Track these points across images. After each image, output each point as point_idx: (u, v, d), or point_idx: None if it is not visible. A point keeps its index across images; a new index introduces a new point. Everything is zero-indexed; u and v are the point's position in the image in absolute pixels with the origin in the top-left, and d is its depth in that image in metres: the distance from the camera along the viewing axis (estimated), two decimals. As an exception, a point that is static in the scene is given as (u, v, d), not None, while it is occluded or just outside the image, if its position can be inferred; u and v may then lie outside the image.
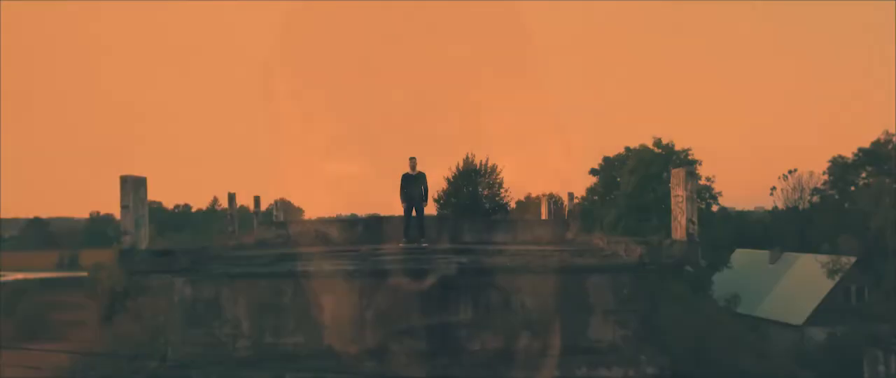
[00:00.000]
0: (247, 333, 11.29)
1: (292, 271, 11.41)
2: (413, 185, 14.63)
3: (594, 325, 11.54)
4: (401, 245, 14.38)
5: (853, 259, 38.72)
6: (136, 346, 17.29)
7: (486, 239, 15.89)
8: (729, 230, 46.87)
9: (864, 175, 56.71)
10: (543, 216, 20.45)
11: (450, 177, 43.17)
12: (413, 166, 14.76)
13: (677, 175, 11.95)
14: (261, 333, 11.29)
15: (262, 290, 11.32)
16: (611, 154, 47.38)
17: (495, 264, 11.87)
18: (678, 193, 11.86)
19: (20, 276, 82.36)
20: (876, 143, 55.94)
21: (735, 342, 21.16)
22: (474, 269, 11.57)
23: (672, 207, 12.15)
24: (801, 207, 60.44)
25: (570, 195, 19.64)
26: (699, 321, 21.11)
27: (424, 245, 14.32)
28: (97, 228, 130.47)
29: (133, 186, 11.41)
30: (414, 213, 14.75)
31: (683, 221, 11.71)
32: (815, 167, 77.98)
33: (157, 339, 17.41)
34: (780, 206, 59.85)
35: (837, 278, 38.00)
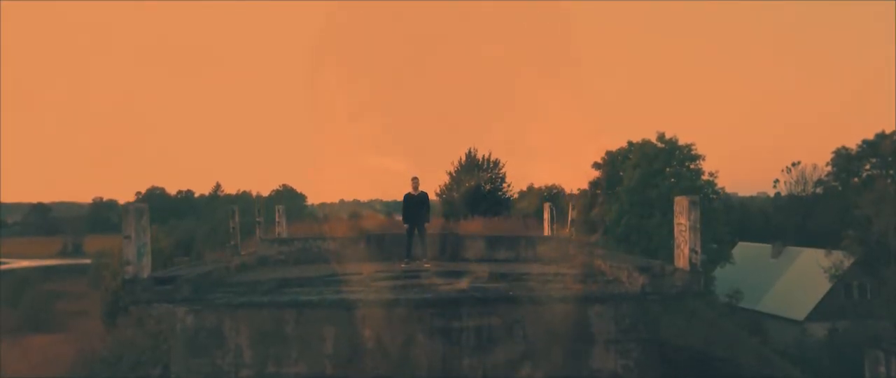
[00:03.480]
0: (249, 363, 11.33)
1: (294, 300, 11.42)
2: (415, 205, 14.63)
3: (596, 355, 11.56)
4: (403, 265, 14.38)
5: (856, 248, 38.65)
6: (139, 352, 17.32)
7: (488, 256, 15.88)
8: (731, 222, 46.75)
9: (867, 167, 56.61)
10: (545, 229, 20.40)
11: (452, 171, 43.17)
12: (415, 186, 14.77)
13: (680, 203, 11.91)
14: (263, 363, 11.33)
15: (264, 320, 11.34)
16: (613, 148, 47.32)
17: (498, 292, 11.85)
18: (681, 222, 11.84)
19: (24, 263, 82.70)
20: (880, 135, 55.80)
21: (736, 349, 21.21)
22: (476, 297, 11.55)
23: (675, 235, 12.13)
24: (806, 200, 60.35)
25: (572, 206, 19.56)
26: (701, 329, 21.11)
27: (426, 265, 14.33)
28: (100, 214, 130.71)
29: (135, 216, 11.42)
30: (416, 233, 14.77)
31: (686, 250, 11.69)
32: (819, 160, 77.80)
33: (159, 347, 17.46)
34: (785, 204, 59.78)
35: (837, 272, 38.11)
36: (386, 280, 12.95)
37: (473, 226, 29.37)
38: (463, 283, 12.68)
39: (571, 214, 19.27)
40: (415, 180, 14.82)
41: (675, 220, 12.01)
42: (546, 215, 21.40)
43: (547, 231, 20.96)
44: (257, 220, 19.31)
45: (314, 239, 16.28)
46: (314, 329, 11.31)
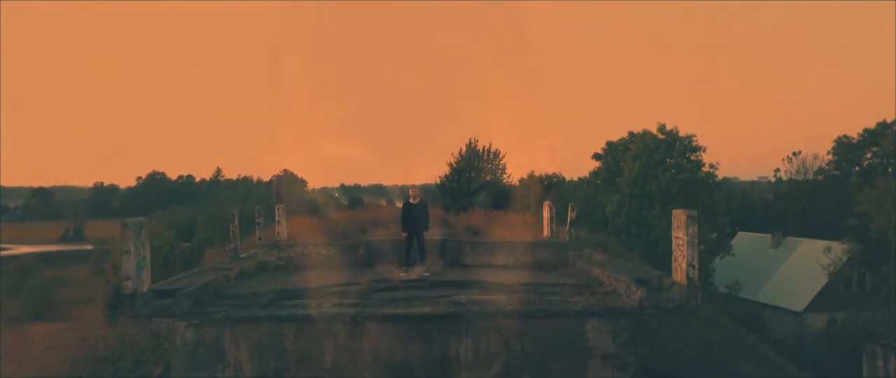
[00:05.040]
0: (249, 377, 11.41)
1: (293, 315, 11.47)
2: (414, 214, 14.64)
3: (593, 369, 11.63)
4: (402, 274, 14.42)
5: (855, 245, 38.65)
6: (141, 351, 17.44)
7: (487, 261, 15.92)
8: (731, 212, 46.75)
9: (868, 156, 56.63)
10: (545, 228, 20.41)
11: (452, 162, 43.18)
12: (414, 195, 14.79)
13: (678, 218, 11.92)
14: (263, 377, 11.40)
15: (263, 334, 11.40)
16: (614, 138, 47.23)
17: (496, 306, 11.90)
18: (679, 236, 11.85)
19: (25, 249, 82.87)
20: (881, 124, 55.76)
21: (735, 348, 21.23)
22: (475, 312, 11.60)
23: (673, 249, 12.15)
24: (806, 187, 60.27)
25: (572, 207, 19.53)
26: (699, 328, 21.13)
27: (426, 274, 14.36)
28: (101, 198, 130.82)
29: (134, 230, 11.46)
30: (415, 241, 14.80)
31: (684, 265, 11.73)
32: (820, 150, 77.70)
33: (161, 345, 17.55)
34: (785, 191, 59.72)
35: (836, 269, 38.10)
36: (385, 291, 13.00)
37: (473, 219, 29.43)
38: (462, 295, 12.73)
39: (571, 215, 19.27)
40: (414, 189, 14.87)
41: (674, 234, 12.03)
42: (546, 214, 21.40)
43: (546, 231, 20.98)
44: (257, 221, 19.35)
45: (313, 244, 16.31)
46: (313, 343, 11.37)
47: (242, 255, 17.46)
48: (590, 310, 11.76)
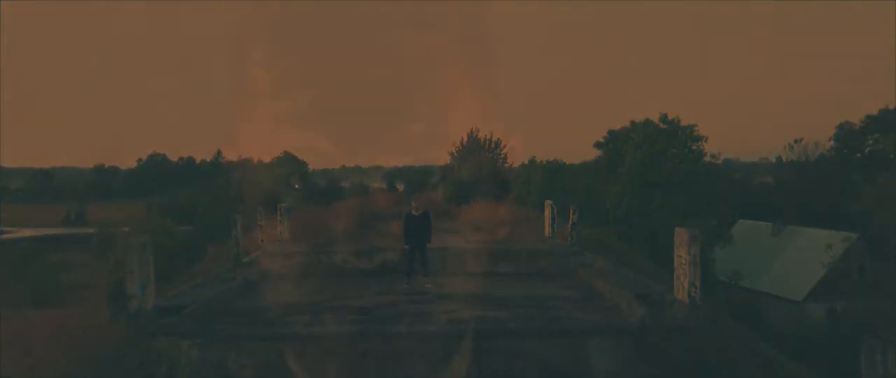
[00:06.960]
0: (253, 395, 11.49)
1: (297, 333, 11.53)
2: (416, 225, 14.61)
3: (595, 387, 11.70)
4: (404, 285, 14.46)
5: (853, 236, 38.71)
6: (144, 350, 17.44)
7: (489, 269, 15.98)
8: (732, 201, 46.70)
9: (870, 142, 56.60)
10: (546, 228, 20.47)
11: (454, 151, 43.26)
12: (416, 207, 14.76)
13: (680, 236, 11.96)
14: (267, 395, 11.48)
15: (267, 352, 11.46)
16: (616, 127, 47.11)
17: (499, 325, 11.97)
18: (681, 255, 11.90)
19: (27, 232, 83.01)
20: (884, 111, 55.67)
21: (736, 348, 21.25)
22: (477, 330, 11.65)
23: (675, 267, 12.20)
24: (807, 171, 60.20)
25: (572, 207, 19.59)
26: (702, 337, 21.14)
27: (428, 285, 14.40)
28: (103, 181, 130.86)
29: (138, 250, 11.52)
30: (417, 253, 14.81)
31: (686, 284, 11.79)
32: (822, 138, 77.61)
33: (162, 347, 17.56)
34: (786, 176, 59.70)
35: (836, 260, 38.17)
36: (388, 306, 13.04)
37: (474, 212, 29.45)
38: (465, 311, 12.77)
39: (573, 217, 19.32)
40: (416, 200, 14.88)
41: (676, 252, 12.07)
42: (547, 213, 21.45)
43: (548, 231, 21.05)
44: (260, 223, 19.41)
45: (315, 251, 16.35)
46: (317, 363, 11.42)
47: (245, 260, 17.53)
48: (592, 328, 11.81)
